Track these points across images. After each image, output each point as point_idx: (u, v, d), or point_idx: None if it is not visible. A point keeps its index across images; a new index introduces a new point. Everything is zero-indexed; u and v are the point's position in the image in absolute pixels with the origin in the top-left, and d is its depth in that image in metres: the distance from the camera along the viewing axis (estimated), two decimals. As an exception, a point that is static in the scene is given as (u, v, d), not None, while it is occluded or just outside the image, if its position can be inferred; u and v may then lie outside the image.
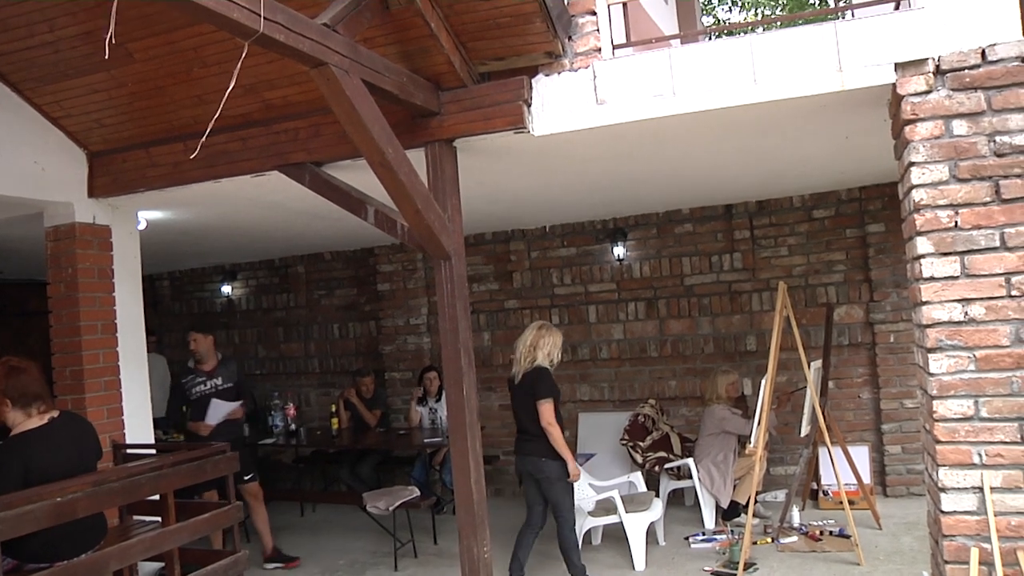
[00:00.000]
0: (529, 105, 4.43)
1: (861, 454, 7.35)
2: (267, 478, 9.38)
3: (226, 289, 10.99)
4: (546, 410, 5.58)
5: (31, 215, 5.84)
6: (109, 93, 5.17)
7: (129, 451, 5.55)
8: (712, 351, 8.24)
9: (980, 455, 3.67)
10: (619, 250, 8.45)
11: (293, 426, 8.71)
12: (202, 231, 7.57)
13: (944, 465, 3.72)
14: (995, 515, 3.63)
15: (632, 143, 4.95)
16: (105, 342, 5.76)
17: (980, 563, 3.66)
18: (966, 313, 3.68)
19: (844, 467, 6.69)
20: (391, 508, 6.77)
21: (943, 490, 3.72)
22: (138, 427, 5.93)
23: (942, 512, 3.74)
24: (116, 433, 5.66)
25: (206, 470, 4.92)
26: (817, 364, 6.74)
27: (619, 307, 8.60)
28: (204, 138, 3.59)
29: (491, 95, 4.44)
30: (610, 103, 4.31)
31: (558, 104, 4.43)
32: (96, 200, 5.80)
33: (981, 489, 3.67)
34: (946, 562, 3.74)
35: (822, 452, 7.26)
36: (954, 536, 3.72)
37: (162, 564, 5.24)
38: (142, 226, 6.30)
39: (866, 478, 7.23)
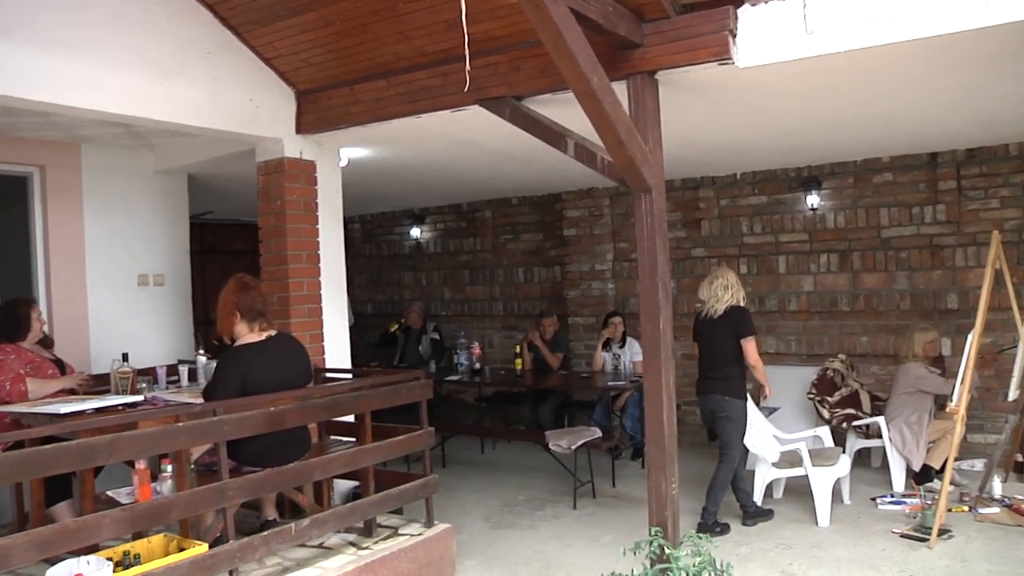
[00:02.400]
0: (734, 36, 4.28)
1: (1077, 428, 6.81)
2: (449, 415, 9.73)
3: (415, 232, 11.36)
4: (753, 347, 6.01)
5: (243, 152, 6.25)
6: (317, 32, 5.39)
7: (328, 375, 5.85)
8: (908, 307, 7.84)
9: None
10: (812, 199, 8.15)
11: (478, 365, 8.93)
12: (397, 171, 7.81)
13: None
14: None
15: (840, 77, 4.73)
16: (309, 271, 6.10)
17: None
18: None
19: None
20: (573, 447, 6.85)
21: None
22: (337, 353, 6.26)
23: None
24: (317, 358, 5.98)
25: (401, 394, 5.14)
26: (1031, 323, 6.31)
27: (810, 258, 8.31)
28: (467, 65, 3.65)
29: (695, 26, 4.32)
30: (820, 33, 4.10)
31: (764, 35, 4.25)
32: (303, 136, 6.11)
33: None
34: None
35: (1031, 421, 6.78)
36: None
37: (357, 483, 5.54)
38: (343, 163, 6.58)
39: (1083, 455, 6.71)
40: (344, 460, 4.77)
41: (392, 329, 10.20)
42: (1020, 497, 6.41)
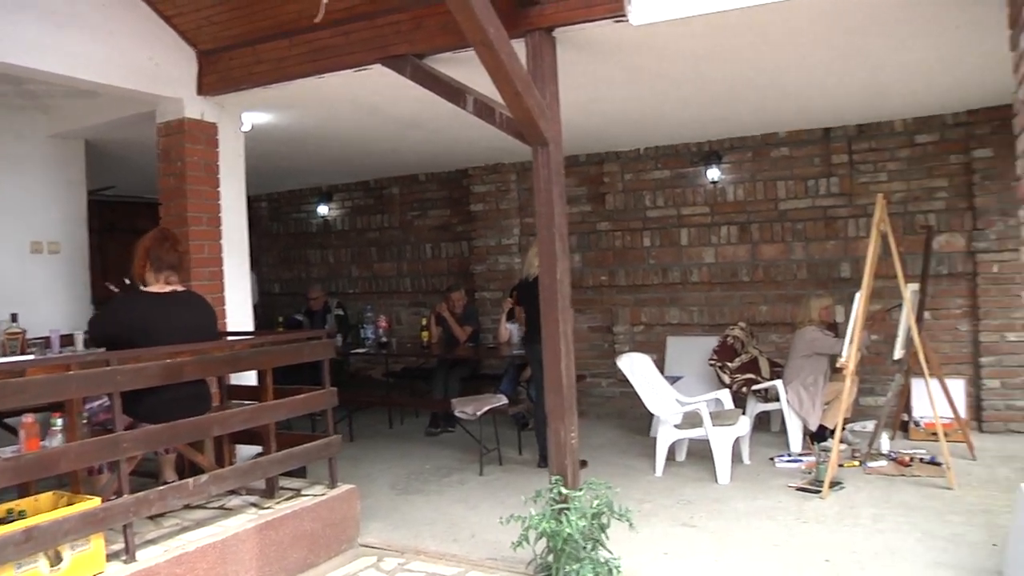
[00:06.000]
0: (629, -8, 4.37)
1: (957, 387, 7.12)
2: (356, 392, 9.70)
3: (322, 210, 11.25)
4: None
5: (142, 115, 6.09)
6: (219, -10, 5.30)
7: (230, 338, 5.77)
8: (805, 277, 8.12)
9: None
10: (713, 173, 8.35)
11: (385, 338, 8.90)
12: (301, 139, 7.72)
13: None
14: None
15: (735, 39, 4.86)
16: (210, 234, 5.99)
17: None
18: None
19: (939, 399, 6.45)
20: (479, 413, 6.90)
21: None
22: (239, 317, 6.16)
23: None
24: (219, 321, 5.86)
25: (303, 352, 5.11)
26: (914, 287, 6.58)
27: (712, 231, 8.52)
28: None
29: (591, -18, 4.39)
30: (711, -11, 4.22)
31: (658, -8, 4.35)
32: (204, 98, 5.98)
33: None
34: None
35: (917, 383, 7.07)
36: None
37: (259, 450, 5.47)
38: (246, 127, 6.48)
39: (962, 412, 7.02)
40: (244, 416, 4.72)
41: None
42: (905, 452, 6.72)
